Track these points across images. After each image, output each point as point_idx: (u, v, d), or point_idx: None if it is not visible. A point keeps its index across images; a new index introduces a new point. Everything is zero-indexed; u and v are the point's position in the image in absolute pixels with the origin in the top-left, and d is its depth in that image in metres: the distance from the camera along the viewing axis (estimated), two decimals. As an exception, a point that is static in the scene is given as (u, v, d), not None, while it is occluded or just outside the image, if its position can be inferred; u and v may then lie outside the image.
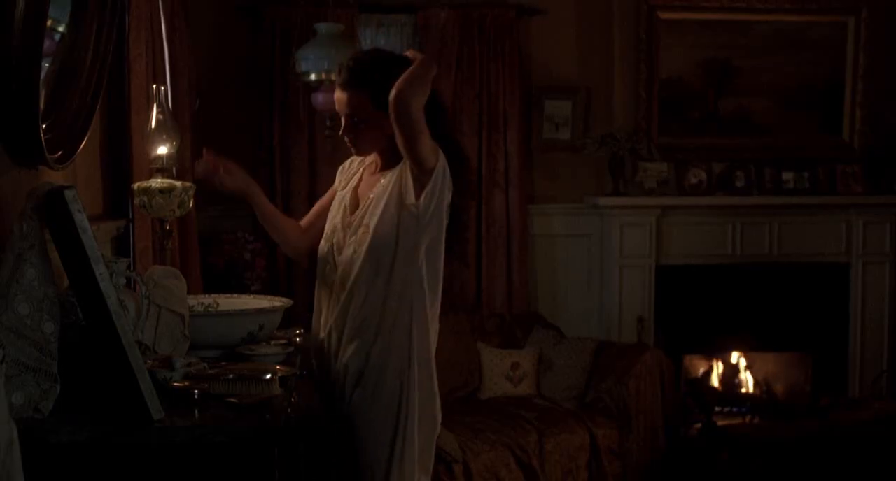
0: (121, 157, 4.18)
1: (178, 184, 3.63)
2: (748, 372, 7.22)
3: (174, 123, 3.76)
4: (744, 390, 7.18)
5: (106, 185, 4.16)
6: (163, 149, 3.64)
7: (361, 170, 3.46)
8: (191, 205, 3.72)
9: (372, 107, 3.19)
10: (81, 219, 2.21)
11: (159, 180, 3.62)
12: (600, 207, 6.81)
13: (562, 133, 6.85)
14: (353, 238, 3.28)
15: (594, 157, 6.78)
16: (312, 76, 5.40)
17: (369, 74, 3.19)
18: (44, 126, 2.72)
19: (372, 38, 6.57)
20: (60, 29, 3.01)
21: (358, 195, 3.39)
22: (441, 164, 3.18)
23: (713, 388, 7.10)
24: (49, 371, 2.30)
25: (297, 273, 6.27)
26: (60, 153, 2.90)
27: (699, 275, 6.99)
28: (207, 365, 2.70)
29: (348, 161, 3.57)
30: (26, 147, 2.66)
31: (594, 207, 6.83)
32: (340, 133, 3.29)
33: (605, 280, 6.91)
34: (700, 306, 7.00)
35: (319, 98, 5.52)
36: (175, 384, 2.49)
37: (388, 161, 3.31)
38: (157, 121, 3.64)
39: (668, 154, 6.84)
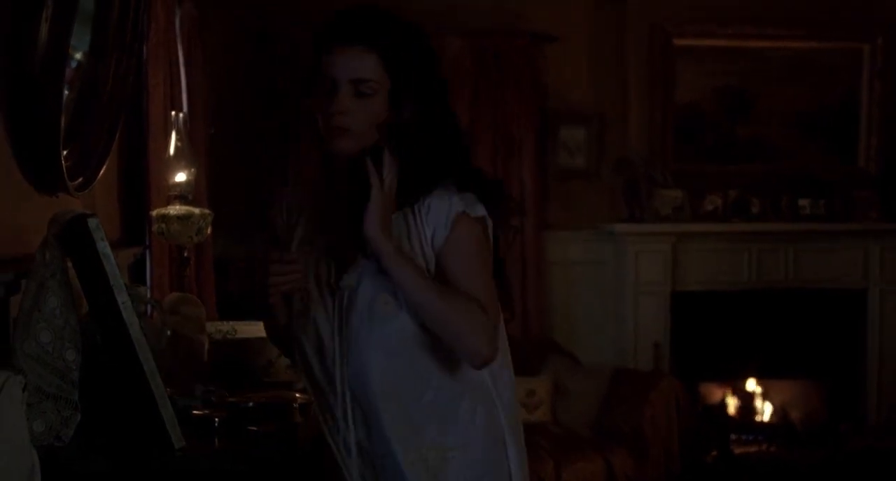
0: (137, 184, 4.19)
1: (196, 210, 3.63)
2: (764, 400, 7.17)
3: (192, 150, 3.76)
4: (760, 417, 7.14)
5: (122, 212, 4.16)
6: (181, 176, 3.64)
7: None
8: (208, 232, 3.72)
9: (387, 80, 2.28)
10: (104, 246, 2.21)
11: (177, 207, 3.62)
12: (616, 234, 6.79)
13: (577, 160, 6.84)
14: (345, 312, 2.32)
15: (609, 184, 6.77)
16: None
17: (382, 33, 2.30)
18: (64, 153, 2.73)
19: (387, 65, 6.55)
20: (78, 56, 3.03)
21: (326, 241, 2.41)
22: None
23: (729, 415, 7.06)
24: (70, 398, 2.30)
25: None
26: (81, 180, 2.92)
27: (715, 301, 6.96)
28: (227, 392, 2.69)
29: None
30: (47, 174, 2.67)
31: (609, 234, 6.82)
32: (333, 109, 2.24)
33: (620, 306, 6.88)
34: (716, 333, 6.97)
35: (336, 125, 5.51)
36: (195, 412, 2.49)
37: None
38: (176, 148, 3.65)
39: (683, 180, 6.83)
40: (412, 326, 2.27)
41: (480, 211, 2.31)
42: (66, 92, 2.72)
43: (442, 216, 2.28)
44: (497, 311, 2.29)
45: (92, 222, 2.23)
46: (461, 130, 2.48)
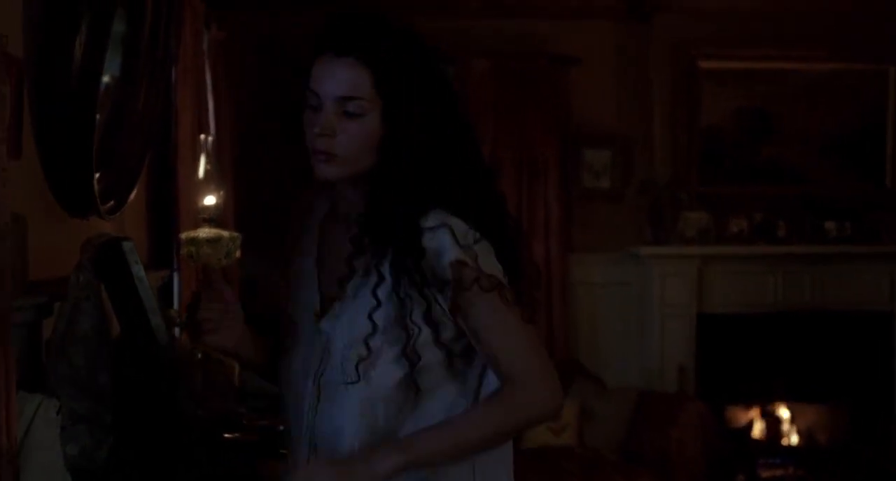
0: (164, 207, 4.20)
1: (226, 233, 3.63)
2: (790, 423, 7.13)
3: (221, 173, 3.77)
4: (786, 441, 7.09)
5: (149, 235, 4.18)
6: (210, 200, 3.64)
7: (319, 221, 2.18)
8: (237, 254, 3.71)
9: (377, 96, 1.96)
10: (139, 270, 2.22)
11: (206, 230, 3.62)
12: (641, 256, 6.78)
13: (601, 182, 6.84)
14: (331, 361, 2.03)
15: (634, 206, 6.77)
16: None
17: (375, 45, 1.96)
18: (96, 176, 2.74)
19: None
20: (108, 79, 3.04)
21: (321, 277, 2.10)
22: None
23: (755, 439, 7.02)
24: (103, 421, 2.30)
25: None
26: (112, 203, 2.92)
27: (741, 324, 6.92)
28: (258, 415, 2.69)
29: (297, 210, 2.29)
30: (79, 197, 2.68)
31: (634, 257, 6.80)
32: (317, 130, 1.96)
33: (645, 329, 6.86)
34: (742, 355, 6.93)
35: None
36: (226, 435, 2.49)
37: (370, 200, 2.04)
38: (206, 171, 3.65)
39: (707, 202, 6.81)
40: (392, 384, 1.97)
41: (491, 265, 1.95)
42: (97, 115, 2.73)
43: (441, 259, 1.93)
44: (544, 358, 1.98)
45: (126, 245, 2.24)
46: (476, 157, 2.08)
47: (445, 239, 1.92)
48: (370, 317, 1.95)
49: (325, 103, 1.95)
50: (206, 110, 4.54)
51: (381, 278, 1.95)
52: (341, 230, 2.07)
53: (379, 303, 1.95)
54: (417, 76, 1.98)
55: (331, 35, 1.99)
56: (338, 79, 1.95)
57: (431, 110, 1.99)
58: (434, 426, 1.94)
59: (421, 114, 1.98)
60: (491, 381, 2.01)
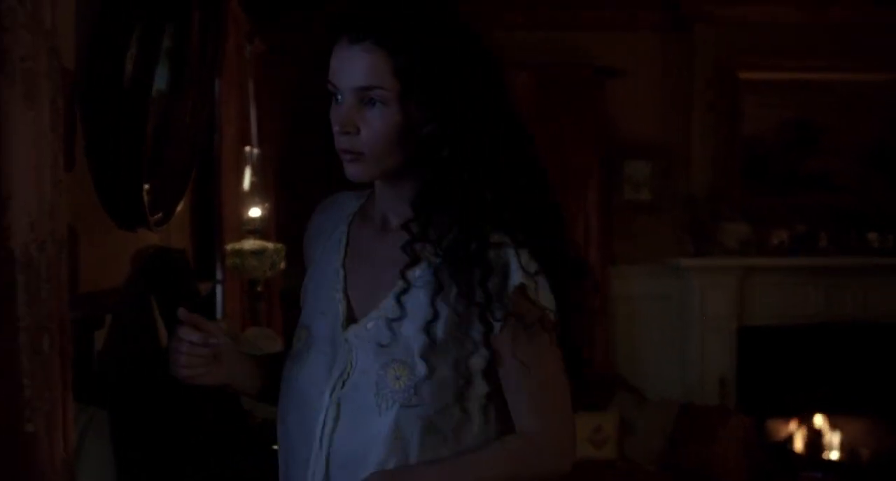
0: (208, 219, 4.22)
1: (270, 245, 3.66)
2: (833, 436, 7.07)
3: (265, 185, 3.80)
4: (828, 454, 7.04)
5: (194, 246, 4.20)
6: (255, 212, 3.67)
7: (349, 220, 1.96)
8: (282, 266, 3.74)
9: (399, 85, 1.75)
10: (193, 282, 2.23)
11: (252, 242, 3.65)
12: (681, 268, 6.75)
13: (641, 193, 6.82)
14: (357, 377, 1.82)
15: (674, 218, 6.75)
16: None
17: (392, 25, 1.76)
18: (145, 187, 2.76)
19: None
20: (156, 92, 3.06)
21: (348, 280, 1.90)
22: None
23: (797, 452, 6.96)
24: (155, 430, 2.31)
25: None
26: (160, 215, 2.94)
27: (782, 336, 6.88)
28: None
29: (322, 206, 2.05)
30: (129, 209, 2.70)
31: (675, 268, 6.78)
32: (337, 127, 1.78)
33: (686, 341, 6.83)
34: (783, 368, 6.88)
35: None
36: (274, 447, 2.49)
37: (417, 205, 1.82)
38: (251, 183, 3.68)
39: (749, 214, 6.78)
40: (437, 408, 1.77)
41: (549, 300, 1.79)
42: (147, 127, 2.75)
43: (498, 282, 1.76)
44: (570, 415, 1.84)
45: (179, 257, 2.25)
46: (532, 163, 1.87)
47: (513, 259, 1.76)
48: (427, 329, 1.75)
49: (344, 96, 1.77)
50: (249, 122, 4.56)
51: (440, 288, 1.76)
52: (373, 232, 1.89)
53: (437, 315, 1.75)
54: (447, 59, 1.75)
55: (345, 19, 1.78)
56: (354, 67, 1.75)
57: (467, 100, 1.76)
58: (445, 460, 1.78)
59: (453, 103, 1.75)
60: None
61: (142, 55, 2.53)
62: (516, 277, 1.75)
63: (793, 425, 7.06)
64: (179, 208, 3.23)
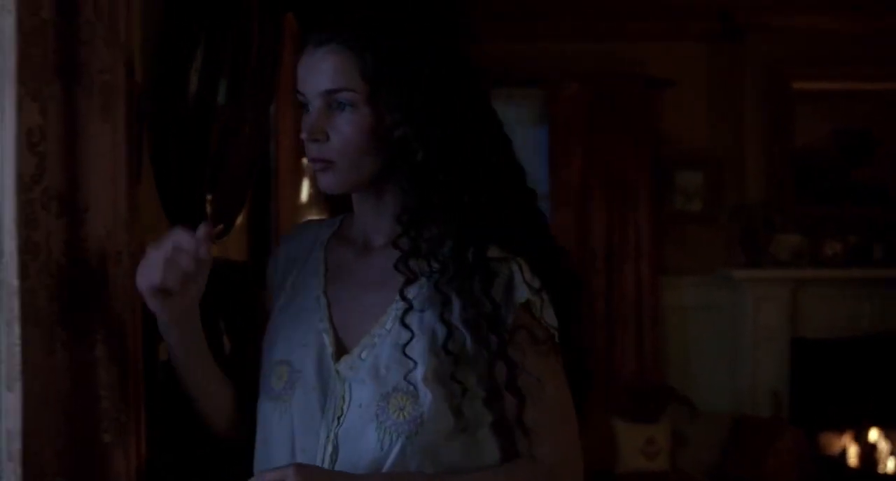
0: (264, 231, 4.24)
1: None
2: (887, 449, 6.99)
3: (322, 197, 3.81)
4: (882, 468, 6.95)
5: (251, 259, 4.21)
6: (313, 223, 3.68)
7: (324, 245, 1.85)
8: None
9: (367, 86, 1.66)
10: (253, 294, 2.24)
11: (308, 253, 3.66)
12: (733, 280, 6.71)
13: (693, 204, 6.79)
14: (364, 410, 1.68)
15: (726, 229, 6.71)
16: (448, 149, 5.44)
17: (357, 24, 1.69)
18: (208, 198, 2.77)
19: (502, 111, 6.58)
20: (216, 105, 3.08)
21: (332, 308, 1.77)
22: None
23: (850, 466, 6.89)
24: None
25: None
26: (221, 226, 2.95)
27: (836, 348, 6.81)
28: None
29: (289, 235, 1.96)
30: (193, 221, 2.71)
31: (727, 279, 6.73)
32: (304, 134, 1.69)
33: (738, 353, 6.78)
34: (836, 380, 6.82)
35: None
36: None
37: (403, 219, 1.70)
38: (309, 195, 3.69)
39: (802, 225, 6.73)
40: (443, 436, 1.65)
41: (553, 318, 1.70)
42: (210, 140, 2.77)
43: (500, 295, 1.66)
44: (577, 438, 1.75)
45: (243, 269, 2.26)
46: (516, 171, 1.75)
47: (516, 274, 1.67)
48: (445, 348, 1.63)
49: (312, 103, 1.68)
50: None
51: (447, 302, 1.65)
52: (355, 254, 1.79)
53: (450, 333, 1.64)
54: (415, 56, 1.66)
55: (313, 24, 1.76)
56: (320, 71, 1.66)
57: (438, 98, 1.66)
58: (450, 476, 1.65)
59: (423, 102, 1.65)
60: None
61: (206, 68, 2.55)
62: (522, 293, 1.66)
63: (846, 438, 6.98)
64: (238, 221, 3.25)
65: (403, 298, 1.66)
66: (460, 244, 1.65)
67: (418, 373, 1.63)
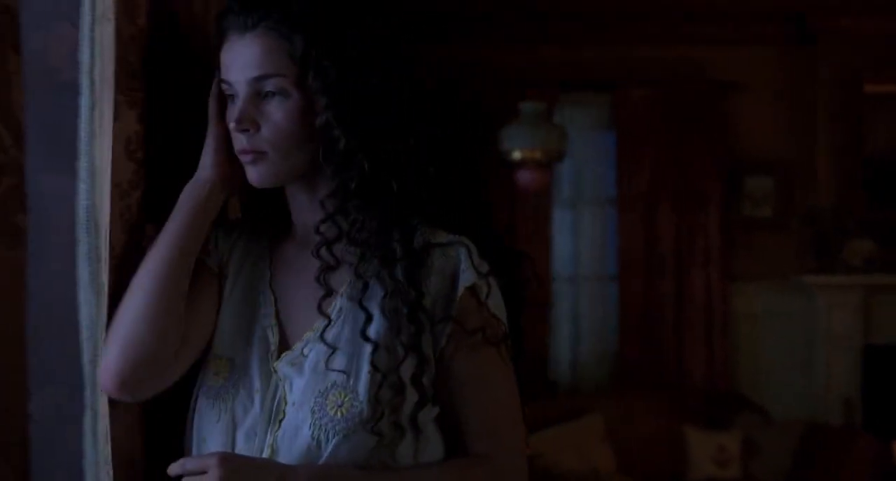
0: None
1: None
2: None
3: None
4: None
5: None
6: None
7: (268, 238, 1.76)
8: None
9: (296, 69, 1.57)
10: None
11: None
12: (805, 286, 6.62)
13: (762, 210, 6.72)
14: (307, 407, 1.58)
15: (797, 235, 6.63)
16: (517, 154, 5.43)
17: (284, 7, 1.59)
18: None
19: (569, 116, 6.57)
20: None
21: (278, 303, 1.69)
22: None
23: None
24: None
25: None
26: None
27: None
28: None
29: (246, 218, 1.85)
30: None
31: (798, 286, 6.65)
32: (232, 124, 1.60)
33: (809, 359, 6.69)
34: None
35: (525, 176, 5.55)
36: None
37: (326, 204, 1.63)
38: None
39: (874, 230, 6.63)
40: (375, 440, 1.55)
41: (501, 306, 1.63)
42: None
43: (445, 286, 1.59)
44: (522, 431, 1.65)
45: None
46: (456, 153, 1.70)
47: (464, 258, 1.59)
48: (363, 334, 1.55)
49: (238, 91, 1.59)
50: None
51: (364, 288, 1.57)
52: (296, 248, 1.70)
53: (370, 317, 1.56)
54: (342, 39, 1.58)
55: (231, 10, 1.60)
56: (246, 57, 1.58)
57: (363, 84, 1.58)
58: (383, 472, 1.56)
59: (345, 88, 1.56)
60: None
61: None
62: (468, 276, 1.58)
63: (920, 447, 6.89)
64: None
65: (323, 283, 1.59)
66: (384, 230, 1.57)
67: (359, 363, 1.55)
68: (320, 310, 1.58)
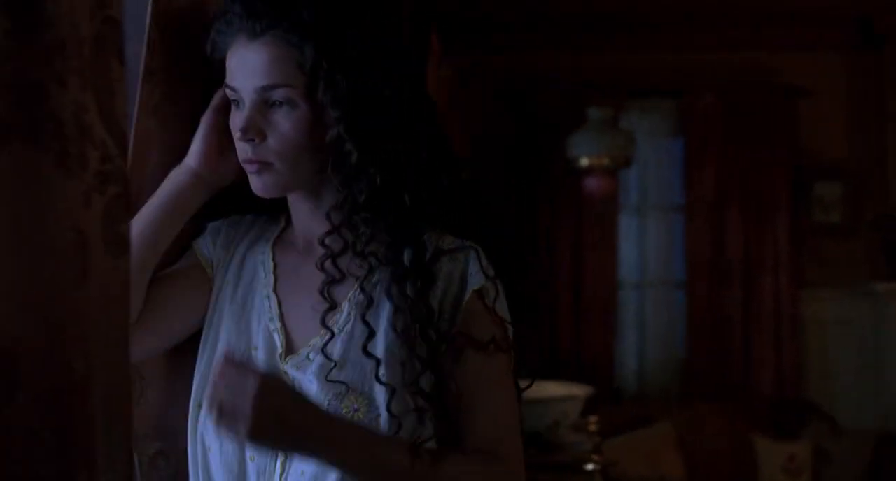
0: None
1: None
2: None
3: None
4: None
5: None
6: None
7: (271, 243, 1.74)
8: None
9: (307, 81, 1.55)
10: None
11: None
12: (875, 292, 6.53)
13: (832, 215, 6.64)
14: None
15: (867, 240, 6.55)
16: (584, 161, 5.42)
17: (295, 15, 1.55)
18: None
19: (637, 122, 6.54)
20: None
21: (283, 307, 1.68)
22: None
23: None
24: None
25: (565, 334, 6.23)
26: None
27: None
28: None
29: (236, 220, 1.79)
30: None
31: (868, 292, 6.56)
32: (238, 134, 1.59)
33: (881, 368, 6.59)
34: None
35: (592, 183, 5.53)
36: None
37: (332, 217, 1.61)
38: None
39: (947, 236, 6.54)
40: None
41: (505, 310, 1.61)
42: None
43: (454, 287, 1.57)
44: (520, 437, 1.60)
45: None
46: (456, 162, 1.65)
47: (473, 261, 1.57)
48: (365, 350, 1.54)
49: (243, 99, 1.58)
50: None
51: (369, 303, 1.56)
52: (298, 257, 1.68)
53: (373, 333, 1.55)
54: (353, 50, 1.54)
55: (240, 15, 1.57)
56: (254, 65, 1.55)
57: (375, 96, 1.55)
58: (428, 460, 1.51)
59: (359, 100, 1.53)
60: None
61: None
62: (477, 280, 1.56)
63: None
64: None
65: (326, 297, 1.57)
66: (395, 244, 1.55)
67: (369, 373, 1.54)
68: (323, 324, 1.56)
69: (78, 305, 0.83)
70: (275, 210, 1.73)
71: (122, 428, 0.95)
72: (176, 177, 1.66)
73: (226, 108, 1.65)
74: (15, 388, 0.74)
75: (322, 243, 1.57)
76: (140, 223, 1.60)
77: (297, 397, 1.47)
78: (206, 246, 1.73)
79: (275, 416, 1.40)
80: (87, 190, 0.88)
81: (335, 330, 1.57)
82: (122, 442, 0.95)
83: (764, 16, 6.39)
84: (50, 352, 0.78)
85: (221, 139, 1.65)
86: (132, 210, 0.92)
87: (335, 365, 1.54)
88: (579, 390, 3.27)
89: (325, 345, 1.56)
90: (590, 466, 2.45)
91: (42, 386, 0.77)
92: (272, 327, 1.63)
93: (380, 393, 1.53)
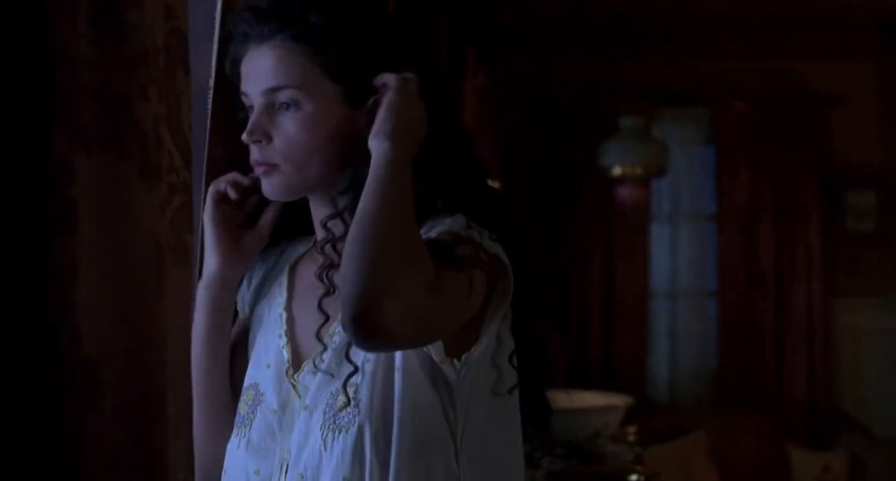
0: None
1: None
2: None
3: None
4: None
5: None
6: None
7: (291, 264, 1.73)
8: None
9: (328, 81, 1.56)
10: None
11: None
12: (909, 302, 6.50)
13: (865, 224, 6.60)
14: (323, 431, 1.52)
15: (902, 250, 6.51)
16: (617, 170, 5.41)
17: (301, 18, 1.56)
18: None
19: (668, 130, 6.53)
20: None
21: (293, 322, 1.67)
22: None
23: None
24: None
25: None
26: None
27: None
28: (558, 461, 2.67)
29: (266, 254, 1.77)
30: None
31: (903, 302, 6.53)
32: (245, 135, 1.57)
33: (916, 378, 6.56)
34: None
35: (625, 192, 5.52)
36: (537, 482, 2.47)
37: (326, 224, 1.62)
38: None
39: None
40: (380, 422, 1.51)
41: (493, 246, 1.50)
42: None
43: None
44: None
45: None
46: (472, 156, 1.62)
47: (459, 220, 1.50)
48: (348, 357, 1.51)
49: (254, 103, 1.57)
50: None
51: None
52: (318, 264, 1.61)
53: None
54: (363, 49, 1.54)
55: (250, 22, 1.57)
56: (261, 68, 1.55)
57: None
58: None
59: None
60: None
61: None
62: (458, 222, 1.49)
63: None
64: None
65: (320, 310, 1.54)
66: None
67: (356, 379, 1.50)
68: (318, 337, 1.56)
69: (158, 313, 0.83)
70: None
71: (187, 435, 0.96)
72: (206, 293, 1.65)
73: (224, 197, 1.65)
74: (99, 397, 0.74)
75: (323, 225, 1.56)
76: (197, 353, 1.58)
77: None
78: (241, 296, 1.74)
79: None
80: (161, 199, 0.88)
81: (326, 341, 1.55)
82: (187, 450, 0.96)
83: (794, 23, 6.36)
84: (132, 360, 0.78)
85: (230, 230, 1.65)
86: (193, 220, 0.92)
87: (331, 377, 1.53)
88: (618, 400, 3.25)
89: (317, 357, 1.56)
90: (633, 477, 2.44)
91: (125, 394, 0.77)
92: (280, 343, 1.63)
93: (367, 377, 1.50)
